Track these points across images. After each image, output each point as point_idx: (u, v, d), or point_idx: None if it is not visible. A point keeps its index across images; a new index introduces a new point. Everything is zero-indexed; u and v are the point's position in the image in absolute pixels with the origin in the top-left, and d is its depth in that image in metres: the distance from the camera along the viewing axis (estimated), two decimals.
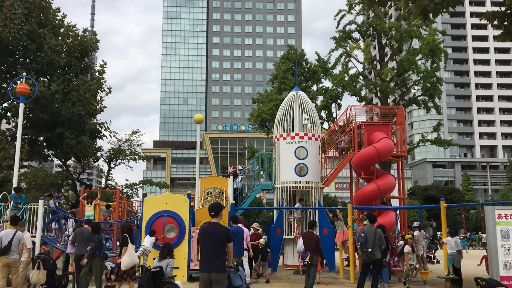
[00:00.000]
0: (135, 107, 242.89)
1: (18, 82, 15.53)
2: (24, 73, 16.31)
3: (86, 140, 22.17)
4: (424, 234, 14.55)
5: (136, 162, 34.29)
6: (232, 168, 21.73)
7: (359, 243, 10.24)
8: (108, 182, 35.37)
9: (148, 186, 35.42)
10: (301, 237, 12.26)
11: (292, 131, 17.50)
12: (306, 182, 16.87)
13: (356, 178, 18.30)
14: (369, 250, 9.94)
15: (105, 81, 24.03)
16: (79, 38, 22.75)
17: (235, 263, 6.92)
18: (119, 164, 33.69)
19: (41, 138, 22.88)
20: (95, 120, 24.80)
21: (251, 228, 15.43)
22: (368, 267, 10.16)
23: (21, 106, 14.77)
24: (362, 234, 10.18)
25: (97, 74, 24.06)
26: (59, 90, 20.29)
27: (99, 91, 23.41)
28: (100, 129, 24.18)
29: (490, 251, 9.70)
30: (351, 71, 25.56)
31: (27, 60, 22.10)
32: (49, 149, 23.33)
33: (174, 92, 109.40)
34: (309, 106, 18.09)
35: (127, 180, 40.34)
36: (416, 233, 14.83)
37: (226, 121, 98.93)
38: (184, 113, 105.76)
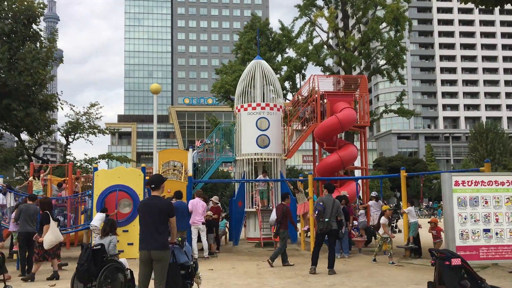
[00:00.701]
0: (100, 81, 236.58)
1: None
2: None
3: (36, 112, 20.90)
4: (381, 204, 14.45)
5: (96, 136, 33.04)
6: (199, 142, 21.15)
7: (316, 211, 9.95)
8: (67, 157, 34.00)
9: (108, 160, 34.29)
10: (275, 209, 12.29)
11: (254, 102, 16.94)
12: (268, 153, 16.46)
13: (319, 149, 18.02)
14: (326, 220, 9.68)
15: (56, 50, 22.55)
16: (25, 3, 21.13)
17: (179, 238, 6.42)
18: (77, 138, 32.36)
19: None
20: (45, 91, 23.39)
21: (210, 201, 15.05)
22: (323, 237, 9.90)
23: None
24: (321, 203, 9.91)
25: (47, 41, 22.52)
26: (4, 59, 18.89)
27: (50, 60, 21.97)
28: (51, 100, 22.85)
29: (446, 219, 9.45)
30: (315, 40, 25.07)
31: None
32: None
33: (139, 64, 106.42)
34: (272, 76, 17.52)
35: (85, 154, 38.90)
36: (371, 202, 14.78)
37: (193, 94, 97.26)
38: (149, 86, 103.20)
